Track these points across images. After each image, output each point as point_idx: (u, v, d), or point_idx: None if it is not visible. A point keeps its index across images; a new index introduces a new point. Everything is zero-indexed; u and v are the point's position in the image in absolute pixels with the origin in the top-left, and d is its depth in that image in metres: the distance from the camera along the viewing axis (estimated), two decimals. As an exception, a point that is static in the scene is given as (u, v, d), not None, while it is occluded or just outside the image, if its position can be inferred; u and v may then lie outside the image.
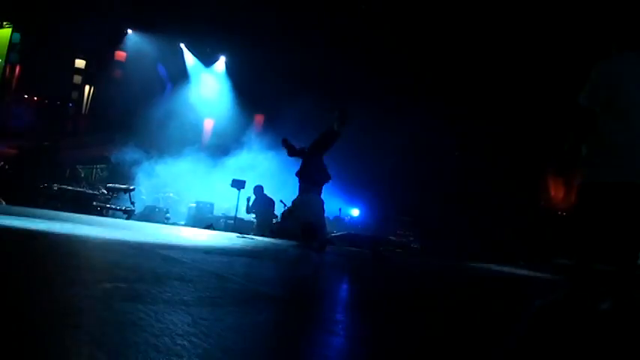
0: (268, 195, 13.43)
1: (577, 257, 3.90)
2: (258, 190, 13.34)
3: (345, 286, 4.21)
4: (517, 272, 8.30)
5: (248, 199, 12.97)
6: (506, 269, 8.48)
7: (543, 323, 3.24)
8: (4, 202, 10.49)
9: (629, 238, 3.75)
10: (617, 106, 3.80)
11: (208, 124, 18.70)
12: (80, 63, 18.01)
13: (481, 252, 12.84)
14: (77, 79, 18.25)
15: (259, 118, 18.54)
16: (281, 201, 13.63)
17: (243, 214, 13.36)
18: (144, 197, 14.19)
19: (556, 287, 5.31)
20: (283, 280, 4.11)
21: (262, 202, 13.14)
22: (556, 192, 13.51)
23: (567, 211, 10.85)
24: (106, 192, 13.34)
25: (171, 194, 15.00)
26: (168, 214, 13.48)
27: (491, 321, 3.12)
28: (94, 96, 18.37)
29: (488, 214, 13.87)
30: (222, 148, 16.91)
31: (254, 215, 13.07)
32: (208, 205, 13.75)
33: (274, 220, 13.14)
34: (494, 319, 3.28)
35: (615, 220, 3.75)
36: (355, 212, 16.02)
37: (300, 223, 8.16)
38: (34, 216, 7.14)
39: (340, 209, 14.71)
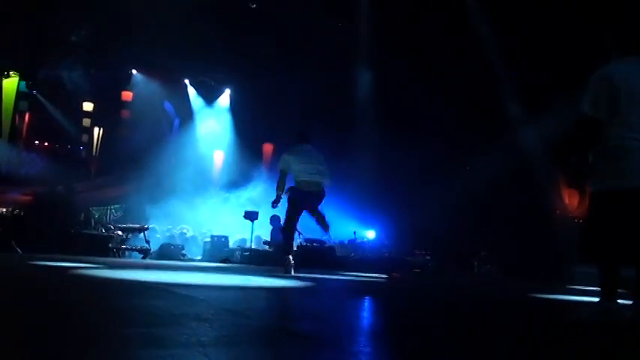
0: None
1: (598, 264, 3.89)
2: (275, 220, 13.35)
3: (370, 317, 4.17)
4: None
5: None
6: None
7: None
8: (19, 251, 10.54)
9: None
10: (620, 112, 3.79)
11: (218, 157, 18.81)
12: (88, 106, 18.23)
13: (501, 267, 12.78)
14: (86, 122, 18.47)
15: (268, 148, 18.62)
16: (298, 232, 13.63)
17: (258, 245, 13.38)
18: (158, 236, 14.23)
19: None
20: (303, 312, 4.09)
21: (279, 233, 13.12)
22: (570, 200, 13.43)
23: (582, 219, 10.75)
24: (120, 233, 13.39)
25: (185, 230, 15.04)
26: (184, 251, 13.50)
27: None
28: (104, 137, 18.57)
29: (505, 226, 13.80)
30: (233, 179, 17.01)
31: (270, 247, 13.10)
32: (223, 239, 13.76)
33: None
34: None
35: (628, 226, 3.73)
36: (371, 234, 15.91)
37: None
38: (52, 260, 7.18)
39: (355, 232, 14.64)
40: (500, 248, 13.44)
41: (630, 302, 3.74)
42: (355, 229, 14.38)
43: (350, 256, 13.20)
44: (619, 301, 3.79)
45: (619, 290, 3.76)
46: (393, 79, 15.21)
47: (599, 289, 3.86)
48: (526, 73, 13.59)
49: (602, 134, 3.85)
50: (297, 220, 8.33)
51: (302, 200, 8.16)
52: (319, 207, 8.32)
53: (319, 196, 8.25)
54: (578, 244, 4.05)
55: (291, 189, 8.26)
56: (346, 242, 14.87)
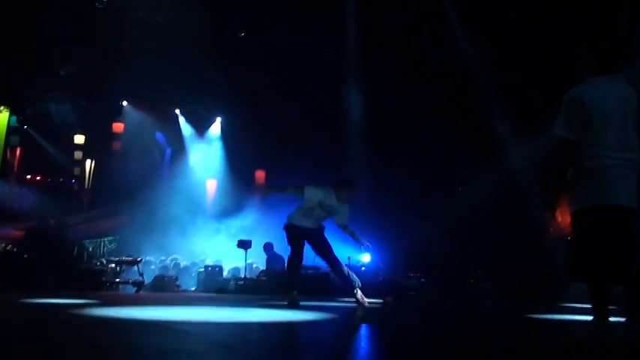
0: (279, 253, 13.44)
1: (587, 284, 3.92)
2: (269, 247, 13.33)
3: (367, 347, 4.14)
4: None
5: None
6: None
7: None
8: (11, 288, 10.44)
9: (625, 255, 3.76)
10: (593, 132, 3.84)
11: (211, 186, 18.79)
12: (79, 139, 18.23)
13: (496, 287, 12.76)
14: (78, 154, 18.45)
15: (260, 174, 18.63)
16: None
17: (252, 273, 13.34)
18: (153, 267, 14.17)
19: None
20: (299, 345, 4.06)
21: (273, 260, 13.11)
22: (563, 218, 13.47)
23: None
24: (114, 266, 13.31)
25: (179, 260, 14.97)
26: (178, 282, 13.42)
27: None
28: (96, 170, 18.54)
29: (499, 246, 13.82)
30: (226, 207, 16.98)
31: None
32: (217, 269, 13.69)
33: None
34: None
35: (610, 244, 3.76)
36: (366, 258, 15.83)
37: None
38: (44, 296, 7.12)
39: (349, 257, 14.58)
40: (496, 268, 13.44)
41: (622, 320, 3.76)
42: (350, 253, 14.29)
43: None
44: (611, 319, 3.81)
45: (611, 307, 3.79)
46: (383, 102, 15.31)
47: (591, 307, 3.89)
48: (515, 93, 13.69)
49: (577, 154, 3.90)
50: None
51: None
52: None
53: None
54: (566, 263, 4.09)
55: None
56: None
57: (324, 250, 7.79)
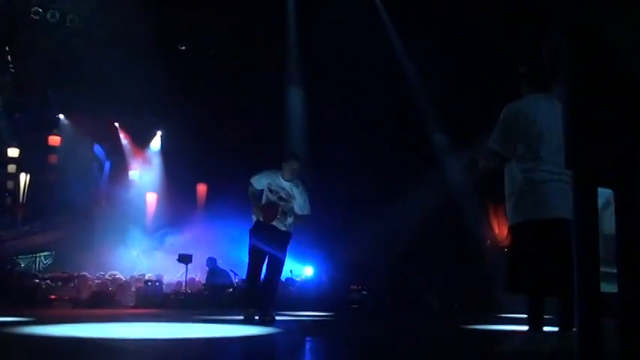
0: (221, 267, 13.40)
1: (523, 295, 4.04)
2: (211, 261, 13.24)
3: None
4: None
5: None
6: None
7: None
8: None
9: (562, 268, 3.88)
10: (529, 147, 3.98)
11: (151, 199, 18.50)
12: (13, 152, 17.66)
13: (436, 299, 12.96)
14: (11, 168, 17.86)
15: (202, 188, 18.46)
16: (231, 270, 13.55)
17: (193, 288, 13.20)
18: (90, 283, 13.84)
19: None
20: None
21: (216, 275, 13.04)
22: (500, 230, 13.84)
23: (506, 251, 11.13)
24: (49, 282, 12.95)
25: (118, 275, 14.66)
26: (116, 298, 13.14)
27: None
28: (31, 184, 17.99)
29: (439, 258, 14.05)
30: (167, 221, 16.77)
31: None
32: (157, 284, 13.47)
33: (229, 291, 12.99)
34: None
35: (547, 256, 3.88)
36: (308, 271, 15.82)
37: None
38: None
39: (291, 270, 14.56)
40: (436, 280, 13.66)
41: (556, 330, 3.89)
42: (292, 266, 14.30)
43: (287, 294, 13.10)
44: (546, 329, 3.93)
45: (547, 317, 3.91)
46: (324, 115, 15.42)
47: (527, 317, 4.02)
48: (452, 106, 13.98)
49: (515, 167, 4.04)
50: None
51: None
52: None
53: None
54: (504, 276, 4.20)
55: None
56: (283, 281, 14.74)
57: (279, 260, 7.26)
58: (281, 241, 7.25)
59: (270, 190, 7.20)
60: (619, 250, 2.28)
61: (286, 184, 7.26)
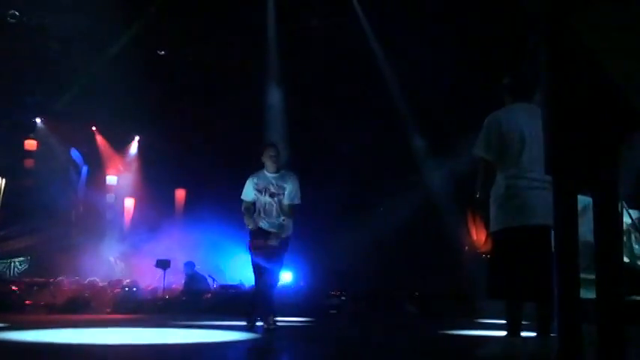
0: (199, 272, 13.33)
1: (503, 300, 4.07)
2: (189, 266, 13.16)
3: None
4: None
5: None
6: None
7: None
8: None
9: (542, 274, 3.93)
10: (510, 154, 4.03)
11: (129, 204, 18.37)
12: (-12, 156, 17.44)
13: (415, 305, 13.00)
14: (-14, 172, 17.63)
15: (180, 193, 18.36)
16: (210, 276, 13.49)
17: (170, 294, 13.12)
18: (66, 289, 13.67)
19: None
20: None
21: (194, 280, 12.97)
22: (478, 236, 13.91)
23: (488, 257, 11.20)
24: (24, 287, 12.78)
25: (95, 281, 14.50)
26: (92, 304, 12.99)
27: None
28: (7, 188, 17.75)
29: (418, 264, 14.10)
30: (145, 226, 16.65)
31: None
32: (134, 289, 13.35)
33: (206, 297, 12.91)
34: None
35: (527, 262, 3.92)
36: (287, 276, 15.71)
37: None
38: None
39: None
40: (414, 285, 13.70)
41: (533, 335, 3.94)
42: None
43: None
44: (524, 334, 3.99)
45: (524, 323, 3.98)
46: (305, 120, 15.40)
47: (505, 322, 4.07)
48: (432, 111, 14.05)
49: (496, 176, 4.09)
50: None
51: None
52: None
53: None
54: (485, 281, 4.24)
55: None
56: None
57: (277, 263, 6.76)
58: (276, 248, 6.69)
59: (259, 191, 6.71)
60: (597, 256, 2.31)
61: (272, 177, 6.81)
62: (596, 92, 2.33)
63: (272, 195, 6.68)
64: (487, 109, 4.32)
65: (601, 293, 2.31)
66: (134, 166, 18.28)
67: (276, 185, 6.75)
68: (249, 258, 6.78)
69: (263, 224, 6.68)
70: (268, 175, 6.82)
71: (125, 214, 18.05)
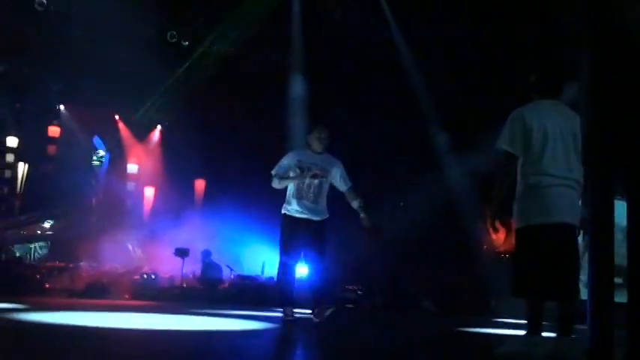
0: (215, 261, 13.39)
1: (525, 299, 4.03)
2: (206, 255, 13.23)
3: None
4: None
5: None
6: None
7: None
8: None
9: (565, 273, 3.90)
10: (534, 151, 3.99)
11: (149, 193, 18.47)
12: (12, 141, 17.61)
13: (433, 302, 12.93)
14: (10, 157, 17.82)
15: (200, 184, 18.43)
16: (228, 266, 13.53)
17: (189, 282, 13.19)
18: (85, 274, 13.80)
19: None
20: (226, 353, 4.02)
21: (210, 268, 13.03)
22: (497, 235, 13.78)
23: (509, 254, 11.11)
24: (44, 272, 12.93)
25: (115, 267, 14.62)
26: (110, 289, 13.09)
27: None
28: (29, 174, 17.95)
29: (436, 261, 14.01)
30: (164, 215, 16.72)
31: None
32: (153, 277, 13.43)
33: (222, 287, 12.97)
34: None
35: (550, 258, 3.88)
36: (303, 270, 15.57)
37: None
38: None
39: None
40: (432, 282, 13.63)
41: (553, 335, 3.90)
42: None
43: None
44: (544, 334, 3.96)
45: (545, 323, 3.95)
46: (325, 112, 15.33)
47: (525, 322, 4.04)
48: (457, 107, 13.95)
49: (520, 171, 4.05)
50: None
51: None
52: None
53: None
54: (508, 279, 4.21)
55: None
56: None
57: (321, 248, 6.31)
58: (317, 233, 6.30)
59: (301, 168, 6.23)
60: (630, 260, 2.25)
61: (318, 158, 6.39)
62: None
63: (314, 176, 6.26)
64: (512, 105, 4.29)
65: (632, 297, 2.24)
66: (155, 154, 18.36)
67: (321, 167, 6.35)
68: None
69: (305, 210, 6.25)
70: (315, 155, 6.40)
71: (145, 202, 18.15)
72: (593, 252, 2.26)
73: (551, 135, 3.98)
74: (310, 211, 6.28)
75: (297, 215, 6.26)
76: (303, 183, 6.24)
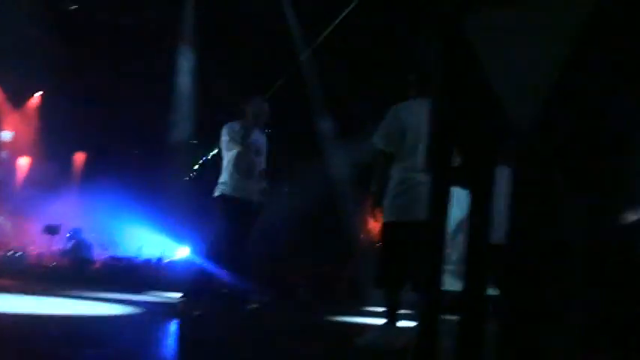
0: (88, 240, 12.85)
1: (385, 285, 4.21)
2: (75, 232, 12.66)
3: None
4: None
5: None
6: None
7: None
8: None
9: (418, 265, 3.98)
10: (405, 148, 4.10)
11: (24, 163, 17.43)
12: None
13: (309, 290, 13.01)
14: None
15: (80, 157, 17.60)
16: (102, 244, 13.08)
17: (58, 261, 12.61)
18: None
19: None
20: (84, 339, 3.78)
21: (80, 247, 12.49)
22: (373, 225, 14.05)
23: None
24: None
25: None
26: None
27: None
28: None
29: (315, 249, 14.11)
30: (39, 187, 15.84)
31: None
32: (18, 255, 12.70)
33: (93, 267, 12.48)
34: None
35: (409, 253, 4.03)
36: (183, 252, 15.04)
37: None
38: None
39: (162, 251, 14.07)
40: (309, 270, 13.69)
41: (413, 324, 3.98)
42: (165, 247, 13.89)
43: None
44: (406, 323, 4.16)
45: (404, 312, 4.16)
46: (214, 84, 14.91)
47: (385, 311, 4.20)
48: (340, 98, 13.96)
49: (393, 167, 4.13)
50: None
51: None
52: None
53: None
54: (374, 270, 4.34)
55: None
56: (153, 261, 14.25)
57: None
58: (252, 215, 5.80)
59: (236, 142, 5.50)
60: (467, 249, 2.35)
61: (258, 135, 5.77)
62: (479, 92, 2.31)
63: (256, 153, 5.70)
64: (397, 96, 4.42)
65: (467, 285, 2.33)
66: (33, 123, 17.30)
67: (260, 145, 5.80)
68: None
69: (243, 190, 5.62)
70: (245, 127, 5.59)
71: (18, 173, 17.12)
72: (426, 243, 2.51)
73: (422, 133, 4.03)
74: (256, 192, 5.81)
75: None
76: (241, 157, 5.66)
